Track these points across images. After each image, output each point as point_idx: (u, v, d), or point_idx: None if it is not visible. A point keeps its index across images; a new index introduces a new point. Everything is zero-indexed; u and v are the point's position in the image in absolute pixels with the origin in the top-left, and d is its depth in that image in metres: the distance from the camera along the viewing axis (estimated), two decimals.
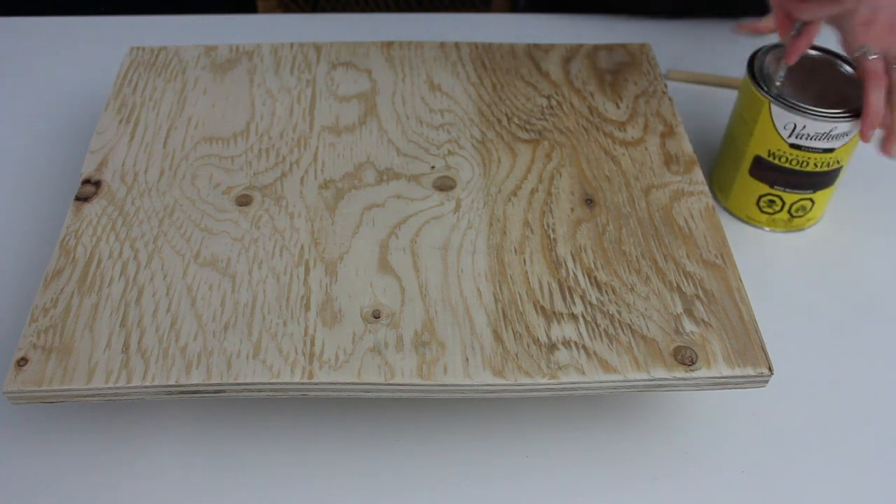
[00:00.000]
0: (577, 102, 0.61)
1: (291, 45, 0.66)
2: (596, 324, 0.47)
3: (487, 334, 0.46)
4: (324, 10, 1.12)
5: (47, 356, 0.45)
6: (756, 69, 0.60)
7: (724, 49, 0.81)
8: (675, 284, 0.49)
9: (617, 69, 0.64)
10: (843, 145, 0.57)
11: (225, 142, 0.57)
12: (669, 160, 0.57)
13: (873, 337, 0.57)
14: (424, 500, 0.48)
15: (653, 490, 0.49)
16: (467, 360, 0.45)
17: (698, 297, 0.48)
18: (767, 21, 0.61)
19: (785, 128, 0.57)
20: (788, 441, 0.51)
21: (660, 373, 0.45)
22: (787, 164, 0.59)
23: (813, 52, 0.61)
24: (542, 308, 0.48)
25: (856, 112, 0.56)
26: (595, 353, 0.46)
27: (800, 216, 0.62)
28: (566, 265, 0.50)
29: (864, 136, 0.55)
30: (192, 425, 0.51)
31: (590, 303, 0.48)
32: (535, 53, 0.66)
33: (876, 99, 0.54)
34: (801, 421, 0.52)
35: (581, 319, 0.47)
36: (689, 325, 0.47)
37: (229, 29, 0.82)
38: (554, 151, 0.57)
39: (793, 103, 0.57)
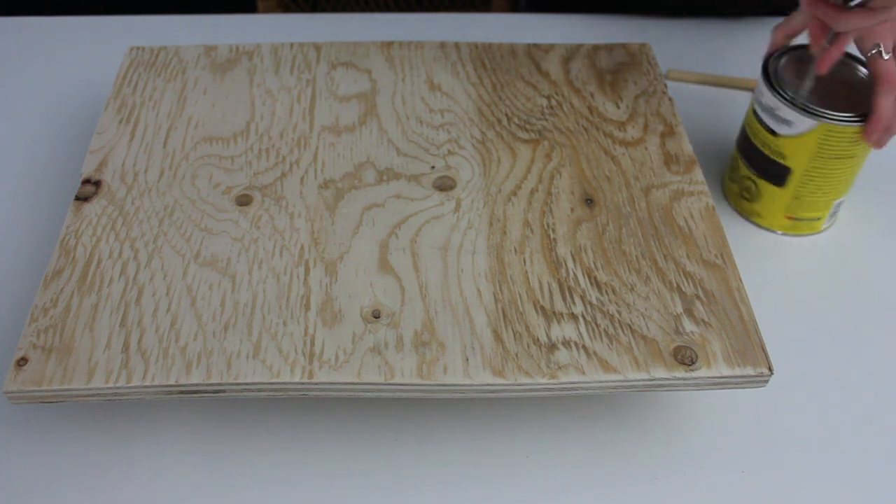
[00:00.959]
0: (577, 102, 0.61)
1: (291, 45, 0.66)
2: (596, 324, 0.47)
3: (487, 334, 0.46)
4: (324, 10, 1.12)
5: (47, 356, 0.45)
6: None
7: (724, 49, 0.81)
8: (675, 284, 0.49)
9: (617, 69, 0.65)
10: None
11: (225, 142, 0.57)
12: (669, 160, 0.57)
13: (874, 337, 0.57)
14: (424, 500, 0.48)
15: (653, 490, 0.49)
16: (467, 360, 0.45)
17: (698, 297, 0.48)
18: (797, 20, 0.59)
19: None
20: (788, 441, 0.51)
21: (660, 373, 0.45)
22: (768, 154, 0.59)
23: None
24: (542, 308, 0.48)
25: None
26: (595, 353, 0.46)
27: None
28: (566, 265, 0.50)
29: (867, 137, 0.55)
30: (192, 425, 0.51)
31: (590, 303, 0.48)
32: (535, 53, 0.66)
33: (885, 102, 0.54)
34: (801, 421, 0.52)
35: (581, 319, 0.47)
36: (689, 325, 0.47)
37: (229, 29, 0.82)
38: (554, 151, 0.57)
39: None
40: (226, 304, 0.47)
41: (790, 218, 0.62)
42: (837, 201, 0.62)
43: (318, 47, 0.66)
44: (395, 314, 0.47)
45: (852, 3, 0.51)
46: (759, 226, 0.64)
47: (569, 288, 0.49)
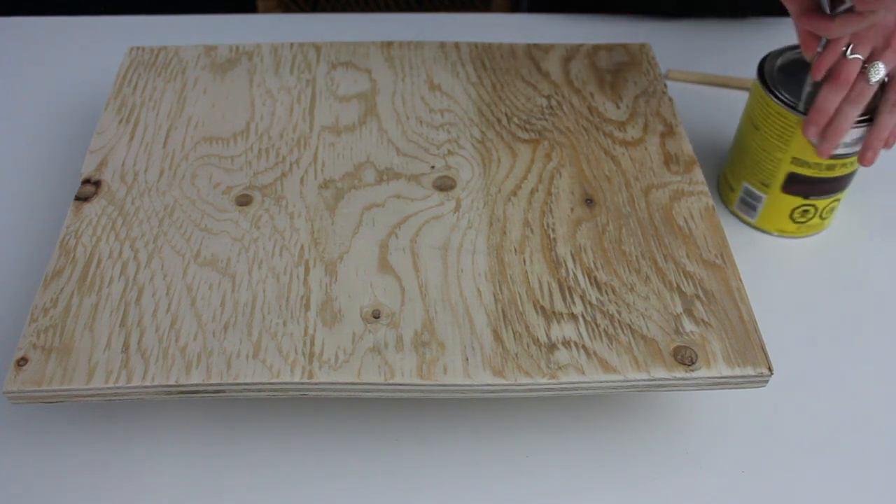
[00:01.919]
0: (577, 102, 0.61)
1: (291, 45, 0.66)
2: (596, 324, 0.47)
3: (487, 334, 0.46)
4: (324, 10, 1.12)
5: (47, 356, 0.45)
6: (784, 92, 0.58)
7: (724, 49, 0.81)
8: (675, 284, 0.49)
9: (617, 69, 0.65)
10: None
11: (225, 142, 0.57)
12: (669, 160, 0.57)
13: (874, 337, 0.57)
14: (424, 500, 0.48)
15: (653, 490, 0.49)
16: (467, 360, 0.45)
17: (698, 297, 0.48)
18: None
19: None
20: (788, 441, 0.51)
21: (660, 373, 0.45)
22: (823, 174, 0.59)
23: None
24: (542, 308, 0.48)
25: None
26: (595, 352, 0.46)
27: (828, 217, 0.63)
28: (566, 265, 0.50)
29: (805, 130, 0.56)
30: (192, 425, 0.51)
31: (590, 303, 0.48)
32: (535, 53, 0.66)
33: (827, 97, 0.54)
34: (801, 421, 0.52)
35: (581, 319, 0.47)
36: (688, 325, 0.47)
37: (229, 29, 0.82)
38: (554, 151, 0.57)
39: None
40: (226, 304, 0.47)
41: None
42: (745, 185, 0.63)
43: (318, 47, 0.66)
44: (395, 314, 0.47)
45: (840, 10, 0.51)
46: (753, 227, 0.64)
47: (569, 288, 0.49)
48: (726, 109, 0.75)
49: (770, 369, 0.45)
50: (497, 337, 0.46)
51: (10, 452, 0.49)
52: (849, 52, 0.54)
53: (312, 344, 0.46)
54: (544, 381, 0.44)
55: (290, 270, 0.49)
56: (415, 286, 0.49)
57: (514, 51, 0.66)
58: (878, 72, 0.53)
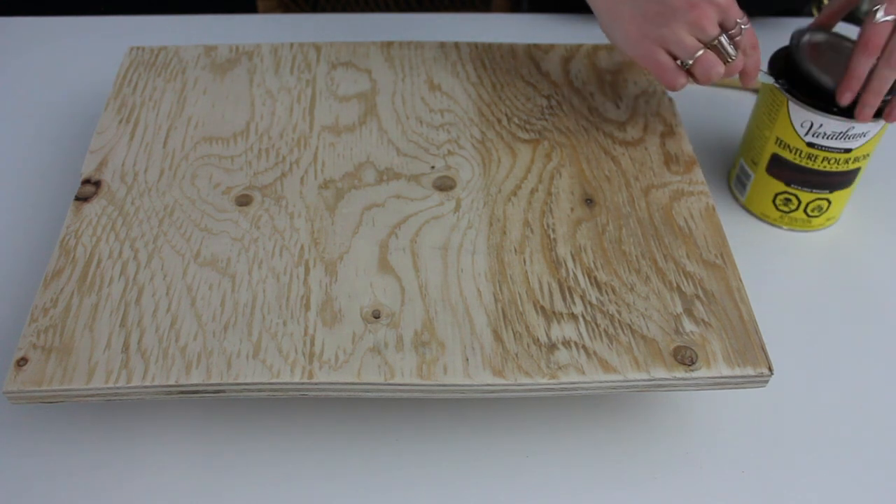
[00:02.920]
0: (577, 102, 0.61)
1: (291, 45, 0.66)
2: (596, 324, 0.47)
3: (487, 334, 0.46)
4: (324, 10, 1.12)
5: (47, 356, 0.45)
6: (777, 67, 0.60)
7: None
8: (675, 284, 0.49)
9: (617, 69, 0.65)
10: (861, 145, 0.57)
11: (225, 142, 0.57)
12: (669, 160, 0.57)
13: (874, 337, 0.57)
14: (424, 500, 0.48)
15: (653, 490, 0.49)
16: (467, 360, 0.45)
17: (698, 297, 0.48)
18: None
19: (802, 126, 0.57)
20: (788, 441, 0.51)
21: (660, 373, 0.45)
22: (803, 163, 0.59)
23: (847, 44, 0.61)
24: (542, 308, 0.48)
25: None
26: (595, 353, 0.46)
27: (816, 216, 0.62)
28: (566, 265, 0.50)
29: (839, 97, 0.56)
30: (192, 425, 0.51)
31: (590, 303, 0.48)
32: (535, 53, 0.66)
33: (859, 64, 0.54)
34: (802, 421, 0.52)
35: (581, 319, 0.47)
36: (689, 325, 0.47)
37: (229, 29, 0.82)
38: (554, 151, 0.57)
39: (810, 101, 0.57)
40: (226, 304, 0.47)
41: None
42: (741, 162, 0.64)
43: (318, 47, 0.66)
44: (395, 314, 0.47)
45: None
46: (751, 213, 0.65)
47: (569, 288, 0.49)
48: (727, 109, 0.75)
49: (770, 369, 0.45)
50: (497, 337, 0.46)
51: (10, 452, 0.49)
52: (879, 14, 0.54)
53: (312, 344, 0.46)
54: (544, 381, 0.44)
55: (290, 270, 0.49)
56: (415, 286, 0.49)
57: (514, 51, 0.66)
58: None
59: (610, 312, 0.48)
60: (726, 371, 0.45)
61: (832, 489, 0.49)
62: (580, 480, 0.49)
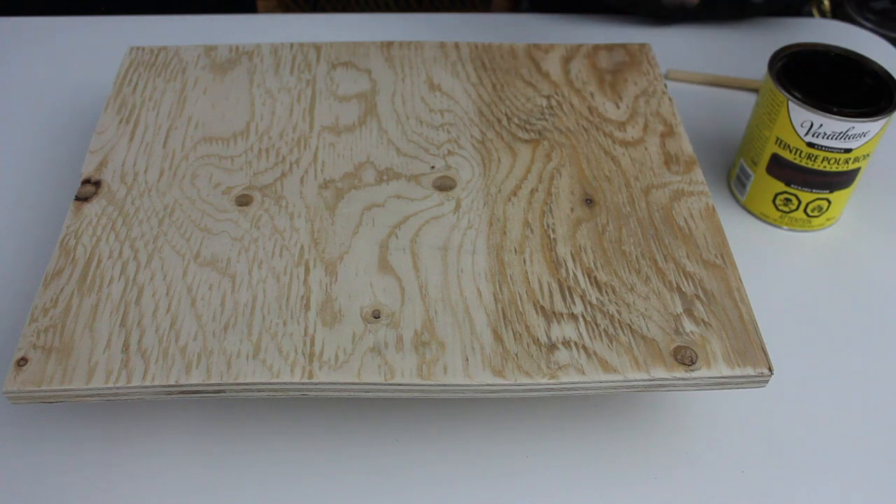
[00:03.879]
0: (577, 102, 0.61)
1: (291, 45, 0.66)
2: (596, 324, 0.47)
3: (487, 334, 0.46)
4: (324, 10, 1.12)
5: (47, 356, 0.45)
6: (776, 68, 0.60)
7: (725, 49, 0.81)
8: (675, 284, 0.49)
9: (617, 69, 0.65)
10: (861, 145, 0.58)
11: (225, 142, 0.57)
12: (669, 160, 0.57)
13: (874, 337, 0.57)
14: (424, 500, 0.48)
15: (653, 490, 0.49)
16: (467, 360, 0.45)
17: (698, 297, 0.48)
18: None
19: (802, 125, 0.58)
20: (788, 441, 0.51)
21: (660, 373, 0.45)
22: (803, 163, 0.59)
23: (839, 51, 0.61)
24: (542, 308, 0.48)
25: (873, 112, 0.56)
26: (595, 353, 0.46)
27: (816, 216, 0.63)
28: (566, 265, 0.50)
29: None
30: (192, 425, 0.51)
31: (590, 303, 0.48)
32: (535, 53, 0.66)
33: None
34: (802, 421, 0.52)
35: (581, 319, 0.47)
36: (688, 325, 0.47)
37: (229, 29, 0.82)
38: (554, 151, 0.58)
39: (810, 101, 0.57)
40: (226, 304, 0.47)
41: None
42: (741, 162, 0.65)
43: (318, 47, 0.66)
44: (395, 314, 0.47)
45: None
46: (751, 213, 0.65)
47: (569, 288, 0.49)
48: (727, 109, 0.75)
49: (770, 369, 0.45)
50: (497, 337, 0.46)
51: (10, 452, 0.49)
52: None
53: (312, 344, 0.46)
54: (544, 381, 0.44)
55: (290, 270, 0.49)
56: (415, 286, 0.49)
57: (514, 51, 0.66)
58: None
59: (610, 312, 0.48)
60: (726, 371, 0.45)
61: (832, 489, 0.49)
62: (580, 480, 0.49)
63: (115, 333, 0.46)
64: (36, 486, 0.48)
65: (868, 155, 0.59)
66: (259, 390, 0.45)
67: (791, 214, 0.63)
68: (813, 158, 0.59)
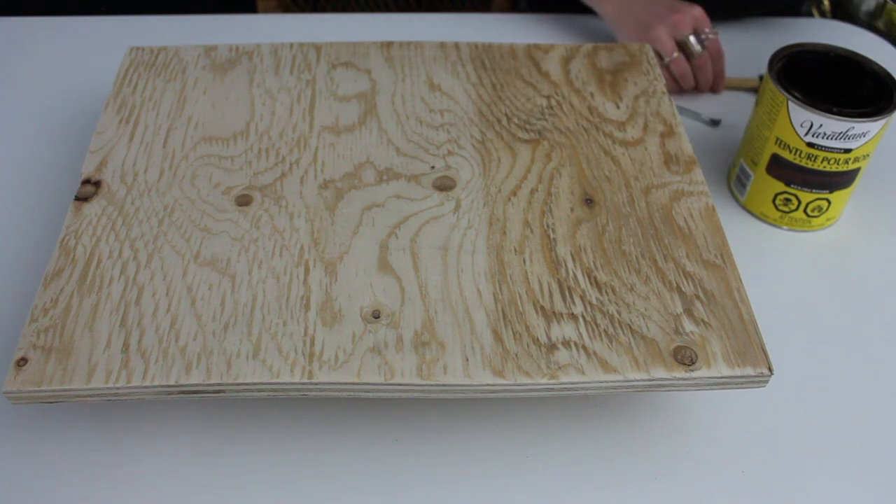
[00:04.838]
0: (577, 102, 0.61)
1: (291, 45, 0.66)
2: (596, 324, 0.47)
3: (487, 334, 0.46)
4: (324, 10, 1.12)
5: (47, 356, 0.45)
6: (776, 68, 0.60)
7: (724, 49, 0.81)
8: (674, 284, 0.49)
9: (617, 69, 0.65)
10: (861, 145, 0.58)
11: (225, 142, 0.57)
12: (669, 160, 0.57)
13: (874, 337, 0.57)
14: (424, 500, 0.48)
15: (653, 490, 0.49)
16: (467, 360, 0.45)
17: (698, 297, 0.48)
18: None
19: (801, 126, 0.58)
20: (788, 441, 0.51)
21: (659, 373, 0.45)
22: (803, 163, 0.59)
23: (839, 51, 0.61)
24: (542, 308, 0.48)
25: (873, 112, 0.56)
26: (595, 352, 0.46)
27: (816, 216, 0.63)
28: (566, 265, 0.50)
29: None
30: (192, 425, 0.51)
31: (589, 303, 0.48)
32: (535, 53, 0.66)
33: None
34: (802, 421, 0.52)
35: (581, 319, 0.47)
36: (688, 325, 0.47)
37: (229, 29, 0.82)
38: (554, 151, 0.57)
39: (810, 101, 0.57)
40: (226, 304, 0.47)
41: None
42: (741, 162, 0.65)
43: (318, 47, 0.66)
44: (395, 314, 0.47)
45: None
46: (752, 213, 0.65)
47: (568, 288, 0.49)
48: (727, 109, 0.75)
49: (770, 369, 0.45)
50: (497, 337, 0.46)
51: (10, 452, 0.49)
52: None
53: (312, 344, 0.46)
54: (544, 381, 0.44)
55: (290, 270, 0.49)
56: (415, 286, 0.49)
57: (514, 51, 0.66)
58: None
59: (610, 312, 0.48)
60: (726, 371, 0.45)
61: (832, 489, 0.49)
62: (580, 480, 0.49)
63: (115, 333, 0.46)
64: (36, 486, 0.48)
65: (868, 155, 0.59)
66: (259, 390, 0.45)
67: (791, 214, 0.63)
68: (813, 158, 0.59)
